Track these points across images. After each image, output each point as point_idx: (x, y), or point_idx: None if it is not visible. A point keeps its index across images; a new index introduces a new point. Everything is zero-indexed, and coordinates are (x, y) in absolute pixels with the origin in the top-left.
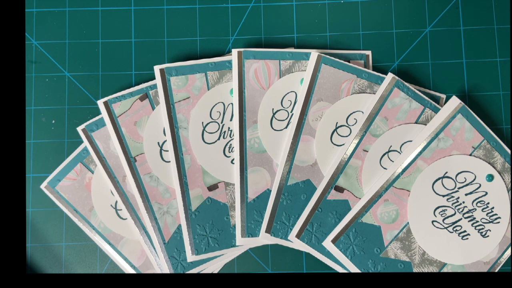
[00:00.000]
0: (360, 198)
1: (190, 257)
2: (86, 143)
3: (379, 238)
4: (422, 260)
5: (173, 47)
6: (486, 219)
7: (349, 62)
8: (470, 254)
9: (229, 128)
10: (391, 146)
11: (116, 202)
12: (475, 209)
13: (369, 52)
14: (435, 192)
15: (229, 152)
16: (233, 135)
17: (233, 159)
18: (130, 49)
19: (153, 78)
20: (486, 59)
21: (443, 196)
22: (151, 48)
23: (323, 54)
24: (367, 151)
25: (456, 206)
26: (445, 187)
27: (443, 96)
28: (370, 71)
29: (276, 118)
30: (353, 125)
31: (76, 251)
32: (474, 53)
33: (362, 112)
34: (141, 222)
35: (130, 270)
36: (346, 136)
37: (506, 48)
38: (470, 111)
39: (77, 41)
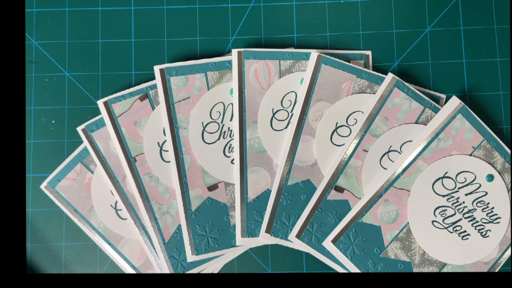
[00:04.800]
0: (360, 198)
1: (190, 257)
2: (86, 143)
3: (379, 238)
4: (422, 260)
5: (173, 47)
6: (486, 219)
7: (349, 62)
8: (470, 254)
9: (229, 128)
10: (391, 146)
11: (116, 202)
12: (475, 209)
13: (369, 52)
14: (435, 192)
15: (229, 152)
16: (233, 135)
17: (233, 159)
18: (130, 49)
19: (153, 78)
20: (486, 59)
21: (443, 196)
22: (151, 48)
23: (323, 54)
24: (367, 151)
25: (456, 206)
26: (445, 187)
27: (443, 96)
28: (370, 71)
29: (276, 118)
30: (353, 125)
31: (76, 251)
32: (474, 53)
33: (362, 112)
34: (141, 222)
35: (130, 270)
36: (346, 136)
37: (506, 48)
38: (470, 111)
39: (77, 41)
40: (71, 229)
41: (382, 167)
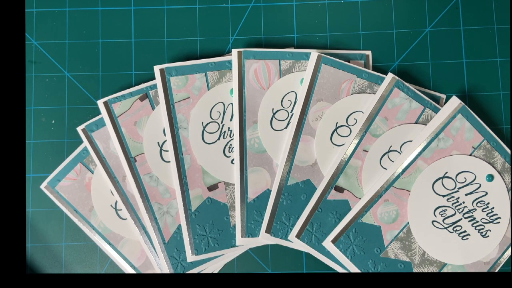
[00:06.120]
0: (360, 198)
1: (190, 257)
2: (86, 143)
3: (379, 238)
4: (422, 260)
5: (173, 47)
6: (486, 219)
7: (349, 62)
8: (470, 254)
9: (229, 128)
10: (391, 146)
11: (116, 202)
12: (475, 209)
13: (369, 52)
14: (435, 192)
15: (229, 152)
16: (233, 135)
17: (233, 159)
18: (130, 49)
19: (153, 78)
20: (486, 59)
21: (443, 196)
22: (151, 48)
23: (323, 54)
24: (367, 151)
25: (456, 206)
26: (445, 187)
27: (443, 96)
28: (370, 71)
29: (276, 118)
30: (353, 125)
31: (76, 251)
32: (474, 53)
33: (362, 112)
34: (141, 222)
35: (130, 270)
36: (346, 136)
37: (506, 48)
38: (470, 111)
39: (77, 41)
40: (71, 229)
41: (382, 167)
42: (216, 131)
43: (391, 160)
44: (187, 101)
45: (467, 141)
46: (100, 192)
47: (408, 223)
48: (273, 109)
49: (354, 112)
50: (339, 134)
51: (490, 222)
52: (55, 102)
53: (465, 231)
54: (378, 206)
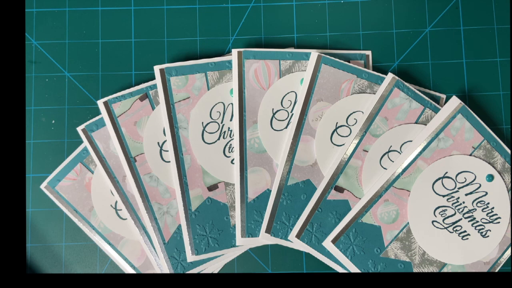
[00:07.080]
0: (360, 198)
1: (190, 257)
2: (86, 143)
3: (379, 238)
4: (422, 260)
5: (173, 47)
6: (486, 219)
7: (349, 62)
8: (470, 254)
9: (229, 128)
10: (391, 146)
11: (116, 202)
12: (475, 209)
13: (369, 52)
14: (435, 192)
15: (229, 152)
16: (233, 135)
17: (233, 159)
18: (130, 49)
19: (153, 78)
20: (486, 59)
21: (443, 196)
22: (151, 48)
23: (323, 54)
24: (367, 151)
25: (456, 206)
26: (445, 187)
27: (443, 96)
28: (370, 71)
29: (276, 118)
30: (353, 125)
31: (76, 251)
32: (474, 53)
33: (362, 112)
34: (141, 222)
35: (130, 270)
36: (346, 136)
37: (506, 48)
38: (470, 111)
39: (77, 41)
40: (71, 229)
41: (382, 167)
42: (216, 131)
43: (391, 160)
44: (187, 101)
45: (467, 141)
46: (100, 192)
47: (408, 223)
48: (273, 109)
49: (354, 112)
50: (339, 134)
51: (490, 222)
52: (55, 102)
53: (465, 231)
54: (378, 206)
